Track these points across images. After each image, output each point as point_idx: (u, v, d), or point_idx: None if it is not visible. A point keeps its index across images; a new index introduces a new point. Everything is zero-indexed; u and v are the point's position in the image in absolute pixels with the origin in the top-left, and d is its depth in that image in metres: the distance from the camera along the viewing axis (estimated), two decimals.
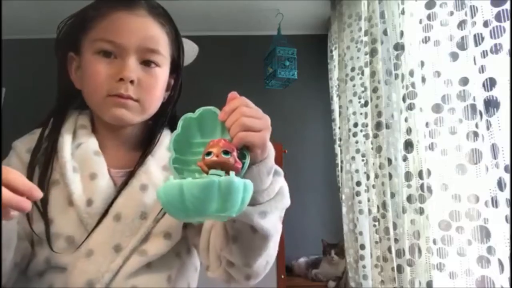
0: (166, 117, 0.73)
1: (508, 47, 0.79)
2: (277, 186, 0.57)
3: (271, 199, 0.56)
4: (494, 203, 0.85)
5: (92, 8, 0.66)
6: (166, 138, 0.72)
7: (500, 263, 0.84)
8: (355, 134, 1.75)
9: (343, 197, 1.88)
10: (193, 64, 2.18)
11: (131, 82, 0.63)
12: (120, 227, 0.62)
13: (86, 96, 0.67)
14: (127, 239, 0.62)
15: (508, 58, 0.79)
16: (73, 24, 0.68)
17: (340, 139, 1.95)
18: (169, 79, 0.72)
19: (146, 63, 0.65)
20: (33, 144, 0.66)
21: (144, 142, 0.72)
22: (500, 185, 0.81)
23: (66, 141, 0.66)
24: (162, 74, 0.68)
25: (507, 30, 0.81)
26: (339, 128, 1.95)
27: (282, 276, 1.75)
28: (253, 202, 0.54)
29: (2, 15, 1.94)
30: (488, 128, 0.85)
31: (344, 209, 1.86)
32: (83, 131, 0.69)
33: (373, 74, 1.44)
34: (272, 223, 0.56)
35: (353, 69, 1.79)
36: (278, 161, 2.01)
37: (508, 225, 0.80)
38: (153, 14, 0.66)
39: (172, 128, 0.74)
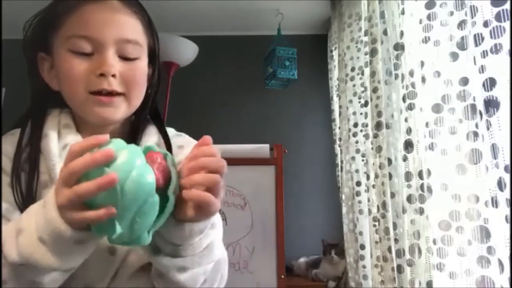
0: (148, 109, 0.70)
1: (508, 47, 0.79)
2: (206, 241, 0.53)
3: (195, 254, 0.53)
4: (494, 203, 0.85)
5: (59, 3, 0.62)
6: (153, 134, 0.70)
7: (500, 263, 0.84)
8: (355, 134, 1.75)
9: (343, 197, 1.88)
10: (193, 64, 2.18)
11: (113, 76, 0.60)
12: None
13: (66, 97, 0.63)
14: None
15: (508, 58, 0.79)
16: (40, 22, 0.64)
17: (340, 139, 1.95)
18: (148, 69, 0.69)
19: (125, 56, 0.62)
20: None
21: (129, 139, 0.68)
22: (500, 185, 0.81)
23: (52, 142, 0.62)
24: (142, 65, 0.65)
25: (507, 30, 0.81)
26: (339, 128, 1.95)
27: (282, 276, 1.75)
28: (173, 254, 0.51)
29: (2, 15, 1.93)
30: (488, 128, 0.85)
31: (344, 209, 1.86)
32: (68, 131, 0.65)
33: (373, 74, 1.44)
34: (194, 279, 0.54)
35: (353, 69, 1.79)
36: (278, 161, 2.01)
37: (508, 225, 0.80)
38: (124, 4, 0.64)
39: (156, 121, 0.72)
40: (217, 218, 0.57)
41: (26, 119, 0.65)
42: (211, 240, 0.54)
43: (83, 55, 0.60)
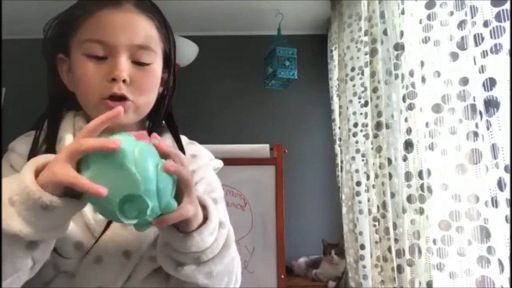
0: (162, 114, 0.71)
1: (508, 47, 0.79)
2: (222, 240, 0.56)
3: (215, 255, 0.55)
4: (494, 203, 0.85)
5: (78, 7, 0.64)
6: (167, 139, 0.70)
7: (500, 263, 0.84)
8: (355, 134, 1.75)
9: (343, 197, 1.88)
10: (193, 64, 2.18)
11: (124, 81, 0.61)
12: (128, 234, 0.60)
13: (80, 99, 0.65)
14: (136, 246, 0.61)
15: (508, 58, 0.79)
16: (59, 25, 0.65)
17: (340, 139, 1.95)
18: (162, 74, 0.69)
19: (138, 61, 0.63)
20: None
21: None
22: (500, 185, 0.81)
23: (67, 144, 0.62)
24: (155, 70, 0.66)
25: (507, 30, 0.81)
26: (339, 128, 1.95)
27: (282, 276, 1.75)
28: (197, 261, 0.54)
29: (2, 15, 1.93)
30: (488, 128, 0.85)
31: (344, 209, 1.86)
32: None
33: (373, 74, 1.44)
34: (219, 279, 0.57)
35: (353, 69, 1.79)
36: (278, 161, 2.01)
37: (508, 225, 0.80)
38: (140, 9, 0.64)
39: (171, 128, 0.73)
40: (223, 217, 0.58)
41: (42, 120, 0.66)
42: (226, 237, 0.57)
43: (97, 59, 0.61)
